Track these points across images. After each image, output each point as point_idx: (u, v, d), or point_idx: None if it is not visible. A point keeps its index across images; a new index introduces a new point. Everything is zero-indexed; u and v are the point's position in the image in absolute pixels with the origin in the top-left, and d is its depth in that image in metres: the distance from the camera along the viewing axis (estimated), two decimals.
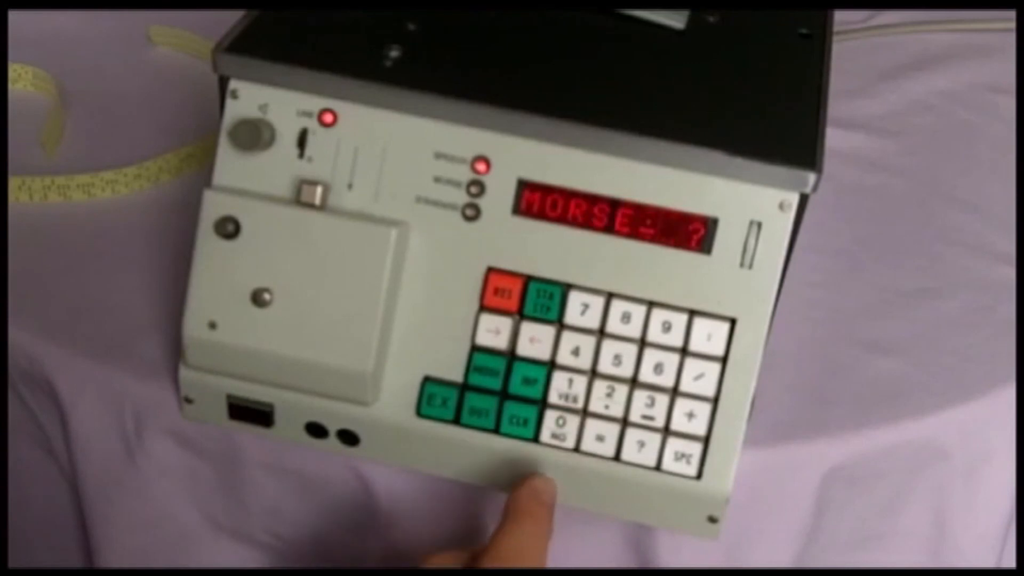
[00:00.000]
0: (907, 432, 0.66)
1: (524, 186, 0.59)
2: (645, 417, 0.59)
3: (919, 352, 0.70)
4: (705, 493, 0.59)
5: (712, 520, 0.60)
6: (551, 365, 0.59)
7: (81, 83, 0.86)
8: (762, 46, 0.67)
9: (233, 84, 0.59)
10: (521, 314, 0.59)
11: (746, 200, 0.58)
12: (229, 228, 0.57)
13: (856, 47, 0.97)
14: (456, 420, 0.60)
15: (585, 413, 0.60)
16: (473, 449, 0.60)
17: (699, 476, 0.59)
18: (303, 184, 0.58)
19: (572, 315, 0.59)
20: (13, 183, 0.75)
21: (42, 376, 0.67)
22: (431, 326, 0.60)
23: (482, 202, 0.59)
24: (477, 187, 0.59)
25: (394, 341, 0.60)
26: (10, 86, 0.86)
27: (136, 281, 0.70)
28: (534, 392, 0.59)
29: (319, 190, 0.58)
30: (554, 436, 0.60)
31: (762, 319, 0.58)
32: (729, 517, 0.60)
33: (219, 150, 0.59)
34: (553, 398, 0.60)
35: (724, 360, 0.59)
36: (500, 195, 0.59)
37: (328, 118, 0.59)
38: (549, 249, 0.59)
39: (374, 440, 0.61)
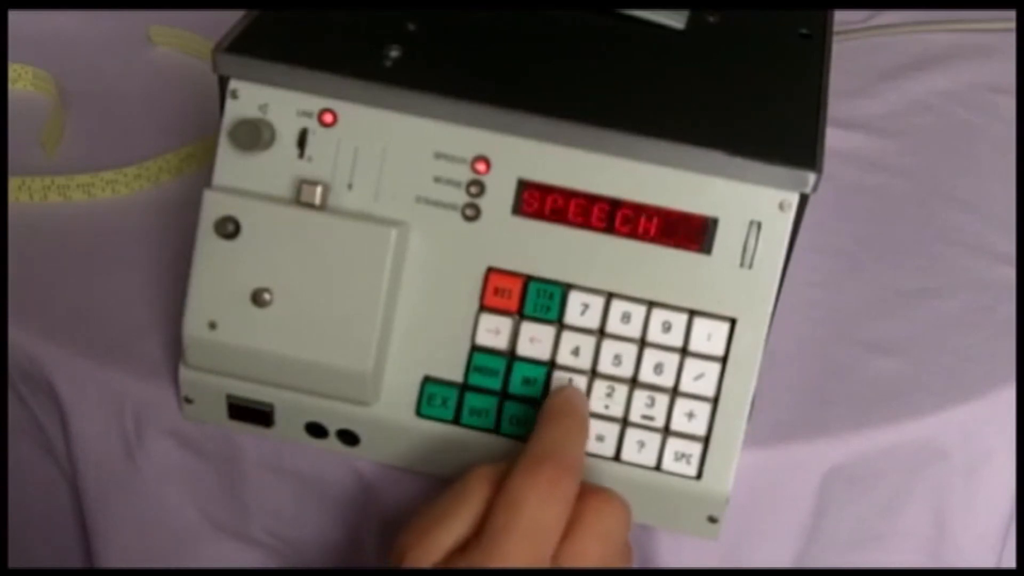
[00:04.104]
0: (907, 432, 0.66)
1: (524, 186, 0.59)
2: (645, 417, 0.59)
3: (919, 352, 0.70)
4: (705, 493, 0.59)
5: (712, 520, 0.60)
6: (551, 365, 0.59)
7: (81, 83, 0.86)
8: (762, 46, 0.67)
9: (233, 84, 0.59)
10: (521, 314, 0.59)
11: (746, 200, 0.58)
12: (229, 228, 0.57)
13: (856, 47, 0.97)
14: (456, 420, 0.60)
15: None
16: (473, 449, 0.60)
17: (699, 476, 0.59)
18: (303, 184, 0.58)
19: (572, 315, 0.59)
20: (13, 183, 0.75)
21: (42, 376, 0.67)
22: (431, 326, 0.60)
23: (482, 202, 0.59)
24: (477, 187, 0.59)
25: (394, 341, 0.60)
26: (10, 86, 0.86)
27: (136, 281, 0.70)
28: (534, 392, 0.59)
29: (319, 190, 0.58)
30: None
31: (762, 319, 0.58)
32: (729, 517, 0.60)
33: (219, 150, 0.59)
34: None
35: (724, 360, 0.59)
36: (500, 195, 0.59)
37: (328, 118, 0.59)
38: (549, 249, 0.59)
39: (374, 440, 0.61)
